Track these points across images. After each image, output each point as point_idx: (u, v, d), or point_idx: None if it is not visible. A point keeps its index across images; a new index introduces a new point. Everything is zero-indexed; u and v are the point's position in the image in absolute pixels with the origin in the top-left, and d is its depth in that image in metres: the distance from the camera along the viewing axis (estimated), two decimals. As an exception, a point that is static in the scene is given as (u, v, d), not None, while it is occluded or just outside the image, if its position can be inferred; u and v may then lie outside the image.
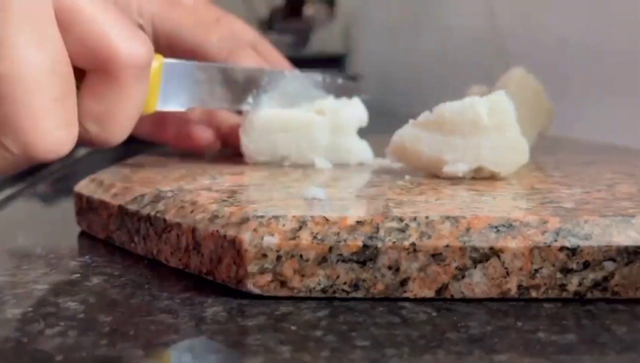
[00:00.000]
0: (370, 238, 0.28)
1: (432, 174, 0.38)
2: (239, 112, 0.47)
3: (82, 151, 0.77)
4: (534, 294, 0.27)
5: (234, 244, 0.28)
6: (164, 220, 0.32)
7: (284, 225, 0.28)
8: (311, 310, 0.27)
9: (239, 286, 0.28)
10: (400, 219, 0.28)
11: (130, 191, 0.36)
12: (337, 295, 0.28)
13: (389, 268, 0.28)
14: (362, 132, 0.45)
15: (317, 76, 0.46)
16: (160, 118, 0.49)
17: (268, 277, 0.28)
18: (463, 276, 0.27)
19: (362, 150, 0.44)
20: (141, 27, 0.46)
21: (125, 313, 0.27)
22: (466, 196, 0.33)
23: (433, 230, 0.28)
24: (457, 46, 0.87)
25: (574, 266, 0.27)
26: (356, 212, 0.29)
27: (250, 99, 0.44)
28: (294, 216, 0.28)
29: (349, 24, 1.31)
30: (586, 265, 0.27)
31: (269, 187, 0.35)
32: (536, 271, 0.27)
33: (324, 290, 0.28)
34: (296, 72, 0.47)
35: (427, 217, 0.28)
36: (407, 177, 0.38)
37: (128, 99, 0.33)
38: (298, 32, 1.35)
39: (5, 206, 0.50)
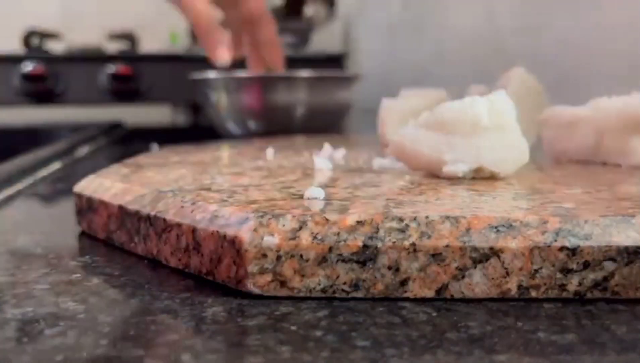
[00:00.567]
0: (370, 238, 0.28)
1: (432, 174, 0.38)
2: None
3: (83, 151, 0.77)
4: (534, 294, 0.27)
5: (234, 244, 0.28)
6: (164, 220, 0.32)
7: (284, 225, 0.28)
8: (311, 310, 0.27)
9: (239, 286, 0.28)
10: (400, 219, 0.28)
11: (130, 191, 0.36)
12: (337, 295, 0.28)
13: (389, 268, 0.28)
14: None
15: None
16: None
17: (268, 277, 0.28)
18: (463, 276, 0.27)
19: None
20: None
21: (125, 313, 0.27)
22: (466, 196, 0.33)
23: (433, 230, 0.28)
24: (457, 46, 0.87)
25: (574, 266, 0.27)
26: (356, 212, 0.29)
27: None
28: (294, 216, 0.28)
29: (349, 24, 1.31)
30: (586, 265, 0.27)
31: (269, 187, 0.35)
32: (536, 271, 0.27)
33: (324, 290, 0.28)
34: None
35: (427, 217, 0.28)
36: (407, 177, 0.38)
37: None
38: (298, 32, 1.35)
39: (5, 206, 0.50)
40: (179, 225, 0.31)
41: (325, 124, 0.84)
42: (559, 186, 0.36)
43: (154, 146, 0.75)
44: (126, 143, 0.82)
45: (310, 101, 0.83)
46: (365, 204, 0.31)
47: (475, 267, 0.27)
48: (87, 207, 0.39)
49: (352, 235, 0.28)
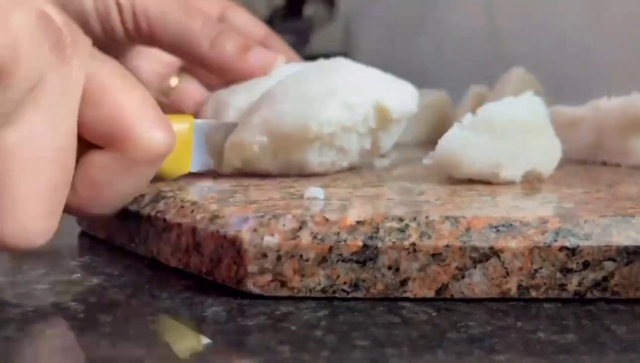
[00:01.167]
0: (370, 238, 0.28)
1: (483, 181, 0.36)
2: None
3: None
4: (534, 294, 0.27)
5: (234, 244, 0.28)
6: (164, 220, 0.32)
7: (284, 225, 0.28)
8: (311, 310, 0.27)
9: (239, 286, 0.28)
10: (400, 219, 0.28)
11: (130, 191, 0.36)
12: (337, 295, 0.28)
13: (389, 268, 0.28)
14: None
15: None
16: None
17: (268, 277, 0.28)
18: (463, 276, 0.27)
19: None
20: (119, 5, 0.43)
21: (125, 313, 0.27)
22: (466, 196, 0.33)
23: (433, 230, 0.28)
24: (456, 46, 0.87)
25: (574, 266, 0.27)
26: (356, 212, 0.29)
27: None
28: (294, 216, 0.28)
29: (349, 23, 1.31)
30: (586, 265, 0.27)
31: (269, 187, 0.35)
32: (536, 271, 0.27)
33: (324, 290, 0.28)
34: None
35: (427, 217, 0.28)
36: (407, 177, 0.38)
37: (133, 179, 0.31)
38: (298, 32, 1.34)
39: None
40: (179, 225, 0.31)
41: None
42: (559, 186, 0.36)
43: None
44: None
45: None
46: (365, 204, 0.31)
47: (475, 267, 0.27)
48: (87, 207, 0.39)
49: (352, 235, 0.28)
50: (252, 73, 0.43)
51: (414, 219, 0.28)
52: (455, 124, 0.36)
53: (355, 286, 0.28)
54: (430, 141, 0.46)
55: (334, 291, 0.28)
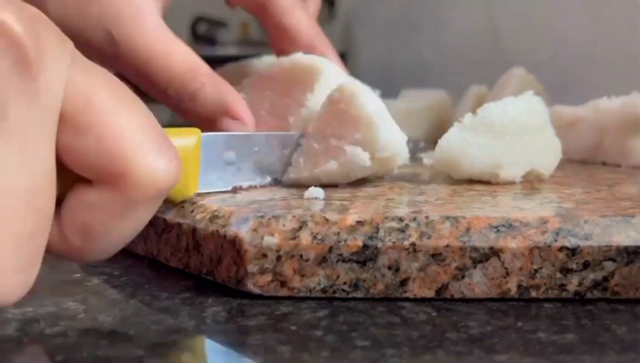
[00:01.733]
0: (370, 238, 0.28)
1: (483, 181, 0.36)
2: None
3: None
4: (534, 294, 0.27)
5: (234, 244, 0.28)
6: (164, 220, 0.32)
7: (284, 225, 0.28)
8: (311, 310, 0.27)
9: (239, 286, 0.28)
10: (400, 219, 0.28)
11: (130, 191, 0.36)
12: (337, 295, 0.28)
13: (389, 268, 0.28)
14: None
15: None
16: None
17: (268, 277, 0.28)
18: (463, 276, 0.27)
19: None
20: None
21: (125, 313, 0.27)
22: (466, 196, 0.33)
23: (433, 230, 0.28)
24: (456, 46, 0.87)
25: (574, 266, 0.27)
26: (356, 212, 0.29)
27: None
28: (294, 216, 0.28)
29: (349, 23, 1.31)
30: (586, 265, 0.27)
31: (269, 187, 0.35)
32: (536, 271, 0.27)
33: (324, 290, 0.28)
34: None
35: (427, 217, 0.28)
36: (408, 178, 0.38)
37: (131, 219, 0.25)
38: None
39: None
40: (179, 225, 0.31)
41: None
42: (559, 186, 0.36)
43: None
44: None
45: None
46: (365, 204, 0.31)
47: (475, 267, 0.27)
48: (87, 207, 0.39)
49: (352, 235, 0.28)
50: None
51: (414, 219, 0.28)
52: (455, 124, 0.36)
53: (355, 286, 0.28)
54: (430, 141, 0.46)
55: (334, 292, 0.28)
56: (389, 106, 0.35)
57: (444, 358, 0.23)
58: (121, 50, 0.39)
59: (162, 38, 0.40)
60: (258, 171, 0.36)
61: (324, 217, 0.28)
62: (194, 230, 0.30)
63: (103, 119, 0.23)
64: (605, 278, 0.27)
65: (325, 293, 0.28)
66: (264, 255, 0.28)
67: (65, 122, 0.23)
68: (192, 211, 0.31)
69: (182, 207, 0.32)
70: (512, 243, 0.27)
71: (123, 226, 0.25)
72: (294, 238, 0.28)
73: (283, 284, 0.28)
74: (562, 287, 0.27)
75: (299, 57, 0.40)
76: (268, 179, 0.36)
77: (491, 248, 0.27)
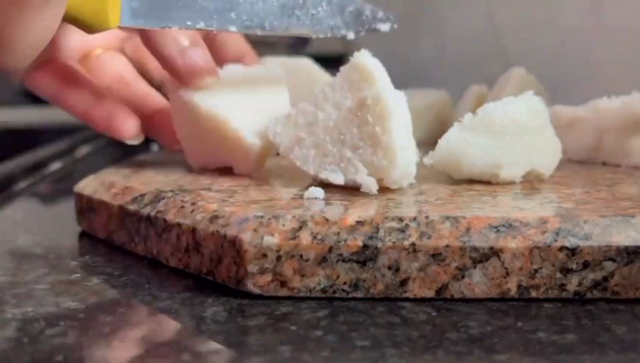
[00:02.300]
0: (370, 238, 0.28)
1: (482, 181, 0.36)
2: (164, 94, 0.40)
3: (83, 151, 0.77)
4: (534, 294, 0.27)
5: (234, 244, 0.28)
6: (164, 220, 0.32)
7: (284, 225, 0.28)
8: (311, 310, 0.27)
9: (239, 286, 0.28)
10: (400, 219, 0.28)
11: (130, 191, 0.36)
12: (337, 295, 0.28)
13: (389, 268, 0.28)
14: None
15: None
16: (68, 76, 0.39)
17: (268, 277, 0.28)
18: (463, 276, 0.27)
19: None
20: None
21: (125, 313, 0.28)
22: (466, 196, 0.33)
23: (433, 230, 0.28)
24: (456, 46, 0.87)
25: (574, 266, 0.27)
26: (356, 212, 0.29)
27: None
28: (294, 216, 0.28)
29: (349, 24, 1.31)
30: (586, 265, 0.27)
31: (269, 187, 0.35)
32: (536, 271, 0.27)
33: (324, 290, 0.28)
34: None
35: (427, 217, 0.28)
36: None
37: (29, 21, 0.26)
38: (298, 32, 1.34)
39: (5, 206, 0.50)
40: (179, 225, 0.31)
41: None
42: (559, 186, 0.36)
43: (154, 146, 0.75)
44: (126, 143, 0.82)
45: None
46: (365, 204, 0.31)
47: (475, 267, 0.27)
48: (87, 207, 0.39)
49: (352, 235, 0.28)
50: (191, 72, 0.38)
51: (414, 219, 0.28)
52: (455, 124, 0.36)
53: (355, 286, 0.28)
54: (430, 141, 0.46)
55: (334, 291, 0.28)
56: None
57: (444, 358, 0.23)
58: None
59: None
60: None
61: (324, 217, 0.28)
62: (194, 230, 0.30)
63: None
64: (605, 278, 0.27)
65: (325, 293, 0.28)
66: (264, 255, 0.28)
67: None
68: (192, 211, 0.31)
69: (182, 207, 0.32)
70: (512, 243, 0.27)
71: (24, 31, 0.27)
72: (294, 238, 0.28)
73: (283, 284, 0.28)
74: (562, 287, 0.27)
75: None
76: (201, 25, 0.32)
77: (491, 248, 0.27)
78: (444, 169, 0.36)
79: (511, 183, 0.35)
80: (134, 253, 0.35)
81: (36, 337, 0.25)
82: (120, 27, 0.31)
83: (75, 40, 0.42)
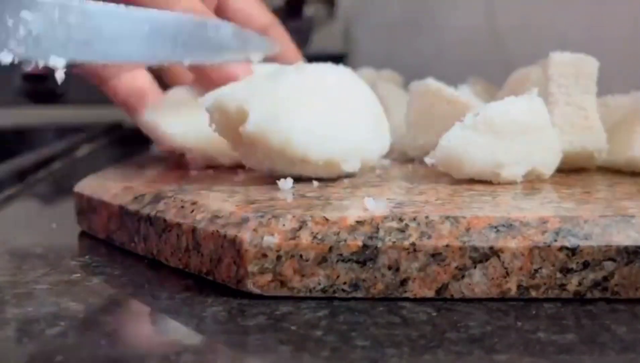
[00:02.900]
0: (370, 238, 0.28)
1: (483, 181, 0.36)
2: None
3: (83, 151, 0.77)
4: (534, 294, 0.27)
5: (234, 244, 0.28)
6: (164, 220, 0.32)
7: (284, 225, 0.28)
8: (311, 310, 0.27)
9: (239, 286, 0.28)
10: (400, 219, 0.28)
11: (130, 191, 0.36)
12: (337, 295, 0.28)
13: (389, 268, 0.28)
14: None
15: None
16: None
17: (268, 277, 0.28)
18: (463, 276, 0.27)
19: None
20: None
21: (125, 313, 0.28)
22: (466, 196, 0.33)
23: (433, 230, 0.28)
24: (456, 46, 0.87)
25: (574, 266, 0.27)
26: (356, 212, 0.29)
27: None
28: (294, 216, 0.28)
29: (349, 23, 1.31)
30: (586, 265, 0.27)
31: (269, 187, 0.35)
32: (536, 271, 0.27)
33: (324, 290, 0.28)
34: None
35: (427, 217, 0.28)
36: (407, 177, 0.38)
37: None
38: (298, 32, 1.34)
39: (5, 206, 0.50)
40: (179, 225, 0.31)
41: None
42: (559, 186, 0.36)
43: (154, 147, 0.75)
44: (126, 143, 0.82)
45: None
46: (365, 204, 0.31)
47: (475, 267, 0.27)
48: (87, 207, 0.39)
49: (352, 235, 0.28)
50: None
51: (414, 219, 0.28)
52: (456, 124, 0.36)
53: (355, 286, 0.28)
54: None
55: (334, 291, 0.28)
56: None
57: (444, 358, 0.23)
58: None
59: None
60: None
61: (324, 217, 0.28)
62: (194, 230, 0.30)
63: None
64: (605, 278, 0.27)
65: (325, 293, 0.28)
66: (264, 255, 0.28)
67: None
68: (192, 211, 0.31)
69: (182, 207, 0.32)
70: (512, 243, 0.27)
71: None
72: (293, 238, 0.28)
73: (283, 284, 0.28)
74: (562, 287, 0.27)
75: None
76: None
77: (491, 248, 0.27)
78: (444, 169, 0.36)
79: (512, 182, 0.35)
80: (134, 253, 0.35)
81: (36, 337, 0.25)
82: None
83: None
